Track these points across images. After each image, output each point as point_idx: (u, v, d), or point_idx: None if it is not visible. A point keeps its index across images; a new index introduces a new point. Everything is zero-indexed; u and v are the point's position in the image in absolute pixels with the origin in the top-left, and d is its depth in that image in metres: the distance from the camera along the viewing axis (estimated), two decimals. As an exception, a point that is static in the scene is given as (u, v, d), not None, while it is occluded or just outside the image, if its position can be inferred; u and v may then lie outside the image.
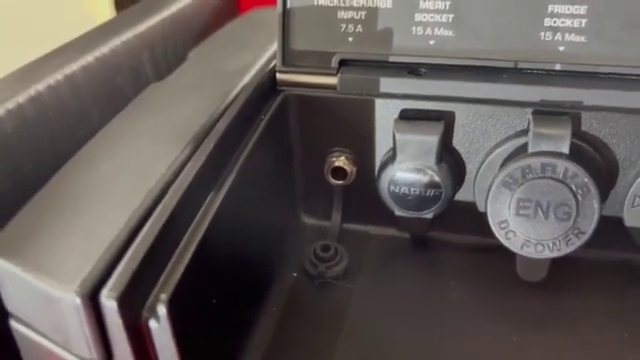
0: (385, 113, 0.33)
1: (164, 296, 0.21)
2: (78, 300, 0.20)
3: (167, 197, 0.24)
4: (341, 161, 0.35)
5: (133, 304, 0.21)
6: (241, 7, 0.57)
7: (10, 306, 0.24)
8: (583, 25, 0.31)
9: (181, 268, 0.23)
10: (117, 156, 0.28)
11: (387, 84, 0.33)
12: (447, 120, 0.32)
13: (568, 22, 0.31)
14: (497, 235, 0.30)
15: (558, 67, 0.31)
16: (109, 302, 0.20)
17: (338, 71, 0.33)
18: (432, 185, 0.32)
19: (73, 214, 0.24)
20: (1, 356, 0.27)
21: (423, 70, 0.33)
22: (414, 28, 0.32)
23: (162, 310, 0.21)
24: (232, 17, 0.50)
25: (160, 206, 0.24)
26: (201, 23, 0.48)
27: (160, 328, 0.21)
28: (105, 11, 0.72)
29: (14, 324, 0.24)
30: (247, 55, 0.38)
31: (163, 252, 0.23)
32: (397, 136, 0.32)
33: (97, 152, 0.28)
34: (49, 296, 0.21)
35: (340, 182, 0.35)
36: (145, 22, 0.41)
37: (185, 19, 0.46)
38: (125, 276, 0.20)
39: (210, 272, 0.25)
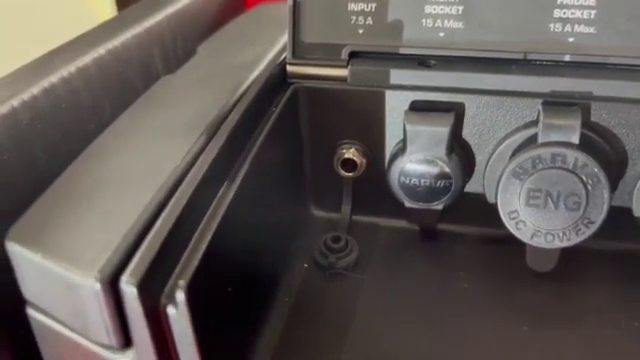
0: (395, 105, 0.33)
1: (182, 282, 0.21)
2: (98, 286, 0.20)
3: (182, 187, 0.24)
4: (351, 153, 0.35)
5: (152, 290, 0.21)
6: (247, 3, 0.57)
7: (27, 293, 0.24)
8: (592, 16, 0.31)
9: (198, 256, 0.23)
10: (131, 148, 0.28)
11: (397, 76, 0.33)
12: (457, 111, 0.32)
13: (577, 13, 0.31)
14: (507, 225, 0.31)
15: (567, 58, 0.32)
16: (129, 288, 0.20)
17: (348, 63, 0.34)
18: (442, 176, 0.32)
19: (90, 203, 0.24)
20: (16, 344, 0.27)
21: (433, 62, 0.33)
22: (424, 20, 0.33)
23: (181, 296, 0.21)
24: (238, 13, 0.51)
25: (176, 196, 0.24)
26: (208, 18, 0.48)
27: (178, 314, 0.21)
28: (107, 10, 0.72)
29: (31, 312, 0.24)
30: (256, 49, 0.38)
31: (180, 240, 0.23)
32: (408, 127, 0.32)
33: (111, 144, 0.28)
34: (69, 282, 0.21)
35: (350, 174, 0.35)
36: (154, 17, 0.41)
37: (193, 14, 0.47)
38: (144, 263, 0.21)
39: (225, 261, 0.26)
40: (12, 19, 0.71)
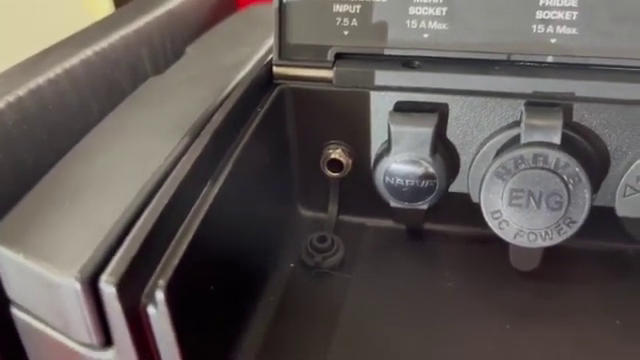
0: (380, 105, 0.33)
1: (162, 282, 0.22)
2: (78, 285, 0.20)
3: (164, 187, 0.25)
4: (337, 153, 0.35)
5: (132, 290, 0.21)
6: (239, 3, 0.58)
7: (11, 293, 0.24)
8: (574, 18, 0.31)
9: (179, 255, 0.23)
10: (115, 148, 0.28)
11: (382, 77, 0.33)
12: (441, 112, 0.32)
13: (560, 15, 0.31)
14: (490, 225, 0.31)
15: (550, 59, 0.32)
16: (108, 287, 0.20)
17: (334, 64, 0.34)
18: (427, 176, 0.33)
19: (72, 203, 0.24)
20: (2, 343, 0.27)
21: (417, 63, 0.33)
22: (408, 21, 0.33)
23: (160, 296, 0.21)
24: (230, 13, 0.51)
25: (157, 195, 0.24)
26: (199, 19, 0.49)
27: (158, 313, 0.21)
28: (105, 9, 0.73)
29: (15, 311, 0.25)
30: (244, 49, 0.38)
31: (161, 240, 0.23)
32: (392, 128, 0.32)
33: (96, 145, 0.29)
34: (49, 282, 0.21)
35: (336, 174, 0.36)
36: (143, 17, 0.41)
37: (183, 15, 0.47)
38: (124, 262, 0.21)
39: (207, 261, 0.26)
40: (11, 19, 0.72)
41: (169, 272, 0.22)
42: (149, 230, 0.22)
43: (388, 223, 0.37)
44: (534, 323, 0.31)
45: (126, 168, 0.26)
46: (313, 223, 0.38)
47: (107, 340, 0.22)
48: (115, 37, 0.38)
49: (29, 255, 0.22)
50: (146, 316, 0.22)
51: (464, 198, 0.34)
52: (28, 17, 0.74)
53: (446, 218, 0.36)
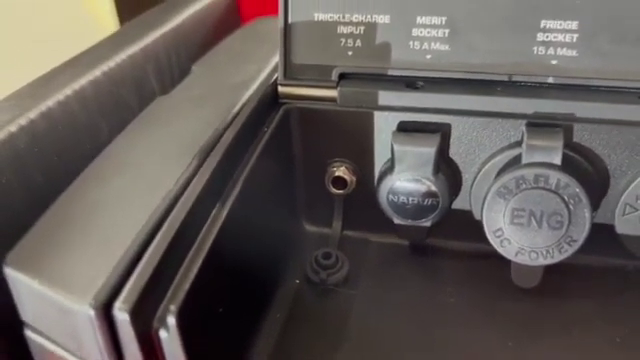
0: (384, 125, 0.34)
1: (173, 307, 0.22)
2: (92, 312, 0.21)
3: (175, 211, 0.25)
4: (341, 171, 0.36)
5: (144, 315, 0.22)
6: (243, 16, 0.58)
7: (25, 316, 0.25)
8: (575, 40, 0.32)
9: (189, 279, 0.24)
10: (126, 171, 0.29)
11: (385, 97, 0.34)
12: (444, 132, 0.33)
13: (560, 37, 0.32)
14: (492, 243, 0.31)
15: (551, 80, 0.32)
16: (121, 314, 0.21)
17: (338, 84, 0.35)
18: (429, 195, 0.33)
19: (85, 228, 0.25)
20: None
21: (420, 83, 0.34)
22: (411, 43, 0.33)
23: (172, 320, 0.22)
24: (234, 27, 0.51)
25: (168, 220, 0.25)
26: (204, 34, 0.49)
27: (170, 338, 0.22)
28: (105, 9, 0.73)
29: (29, 333, 0.25)
30: (250, 67, 0.39)
31: (172, 264, 0.24)
32: (395, 148, 0.33)
33: (107, 167, 0.29)
34: (64, 308, 0.22)
35: (340, 191, 0.36)
36: (149, 35, 0.42)
37: (188, 30, 0.47)
38: (137, 288, 0.22)
39: (217, 282, 0.27)
40: (11, 19, 0.72)
41: (180, 296, 0.23)
42: (161, 255, 0.23)
43: (392, 239, 0.37)
44: (536, 338, 0.32)
45: (138, 192, 0.27)
46: (318, 238, 0.38)
47: (120, 363, 0.23)
48: (122, 56, 0.38)
49: (44, 281, 0.22)
50: (158, 340, 0.22)
51: (466, 215, 0.34)
52: (28, 17, 0.74)
53: (449, 234, 0.36)
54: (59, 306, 0.22)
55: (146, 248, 0.23)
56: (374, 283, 0.36)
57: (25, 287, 0.23)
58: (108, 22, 0.68)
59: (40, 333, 0.25)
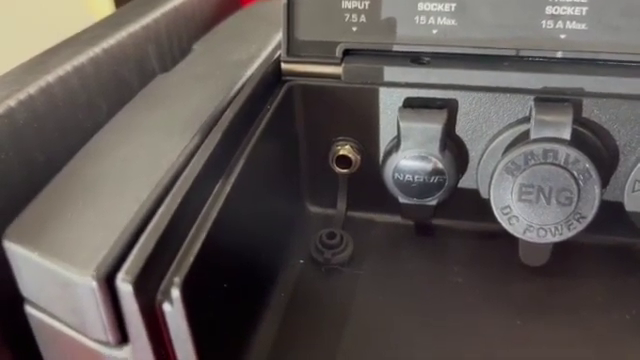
0: (389, 102, 0.33)
1: (177, 279, 0.22)
2: (94, 283, 0.21)
3: (178, 184, 0.25)
4: (346, 149, 0.35)
5: (147, 287, 0.21)
6: (242, 0, 0.58)
7: (25, 291, 0.24)
8: (584, 13, 0.31)
9: (193, 252, 0.23)
10: (127, 146, 0.28)
11: (391, 73, 0.33)
12: (450, 108, 0.32)
13: (569, 10, 0.31)
14: (500, 221, 0.31)
15: (559, 54, 0.32)
16: (125, 285, 0.20)
17: (342, 61, 0.34)
18: (436, 172, 0.33)
19: (86, 202, 0.24)
20: (16, 341, 0.28)
21: (426, 59, 0.33)
22: (417, 17, 0.33)
23: (176, 293, 0.21)
24: (234, 9, 0.51)
25: (171, 193, 0.24)
26: (204, 16, 0.49)
27: (174, 311, 0.22)
28: (105, 8, 0.73)
29: (29, 309, 0.25)
30: (251, 46, 0.38)
31: (175, 237, 0.23)
32: (401, 124, 0.32)
33: (107, 142, 0.29)
34: (66, 280, 0.21)
35: (345, 170, 0.36)
36: (150, 14, 0.41)
37: (189, 12, 0.47)
38: (140, 260, 0.21)
39: (220, 257, 0.26)
40: (12, 19, 0.72)
41: (184, 269, 0.22)
42: (164, 228, 0.22)
43: (397, 219, 0.37)
44: (544, 317, 0.31)
45: (139, 166, 0.26)
46: (322, 219, 0.38)
47: (123, 337, 0.22)
48: (123, 34, 0.38)
49: (45, 254, 0.22)
50: (162, 313, 0.22)
51: (473, 194, 0.34)
52: (28, 17, 0.74)
53: (455, 213, 0.36)
54: (60, 279, 0.22)
55: (149, 220, 0.23)
56: (379, 263, 0.35)
57: (25, 260, 0.23)
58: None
59: (41, 309, 0.24)
